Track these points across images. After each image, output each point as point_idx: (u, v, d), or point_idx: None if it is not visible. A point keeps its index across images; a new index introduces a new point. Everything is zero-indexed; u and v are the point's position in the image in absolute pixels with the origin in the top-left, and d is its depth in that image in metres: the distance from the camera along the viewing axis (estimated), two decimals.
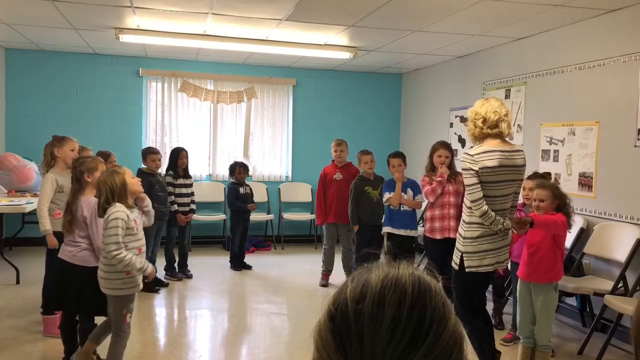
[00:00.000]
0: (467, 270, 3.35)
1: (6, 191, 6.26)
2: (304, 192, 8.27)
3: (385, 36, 5.90)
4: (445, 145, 4.89)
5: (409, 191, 5.26)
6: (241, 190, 6.59)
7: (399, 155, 5.44)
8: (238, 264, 6.59)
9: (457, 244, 3.45)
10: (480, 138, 3.36)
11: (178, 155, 6.04)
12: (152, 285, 5.59)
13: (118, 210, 3.07)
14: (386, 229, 5.23)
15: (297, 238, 8.22)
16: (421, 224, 6.77)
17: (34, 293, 4.97)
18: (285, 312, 5.30)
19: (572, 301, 4.91)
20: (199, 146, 7.90)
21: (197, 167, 7.74)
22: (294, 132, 8.33)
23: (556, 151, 5.26)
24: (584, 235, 4.73)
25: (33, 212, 6.26)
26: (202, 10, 5.08)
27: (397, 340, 0.69)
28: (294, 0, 4.63)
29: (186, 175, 6.14)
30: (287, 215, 8.02)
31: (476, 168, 3.25)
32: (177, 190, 6.00)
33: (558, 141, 5.23)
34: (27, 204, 5.65)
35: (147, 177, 5.57)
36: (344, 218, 5.71)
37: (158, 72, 7.77)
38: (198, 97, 7.88)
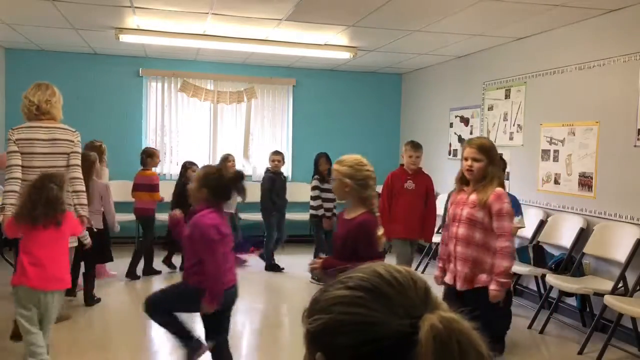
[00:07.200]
0: None
1: None
2: (304, 192, 8.24)
3: (385, 36, 5.90)
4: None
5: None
6: None
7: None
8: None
9: None
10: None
11: (319, 161, 6.28)
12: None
13: None
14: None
15: (297, 238, 8.21)
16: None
17: None
18: (285, 312, 5.30)
19: (572, 301, 4.91)
20: (198, 146, 7.90)
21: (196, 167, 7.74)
22: (294, 132, 8.33)
23: (556, 151, 5.25)
24: (584, 235, 4.72)
25: None
26: (202, 10, 5.08)
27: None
28: (294, 0, 4.63)
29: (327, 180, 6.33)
30: (287, 215, 8.00)
31: (14, 138, 3.89)
32: (324, 195, 6.18)
33: (558, 141, 5.23)
34: None
35: (273, 175, 6.31)
36: (415, 234, 4.95)
37: (158, 72, 7.77)
38: (198, 97, 7.88)
